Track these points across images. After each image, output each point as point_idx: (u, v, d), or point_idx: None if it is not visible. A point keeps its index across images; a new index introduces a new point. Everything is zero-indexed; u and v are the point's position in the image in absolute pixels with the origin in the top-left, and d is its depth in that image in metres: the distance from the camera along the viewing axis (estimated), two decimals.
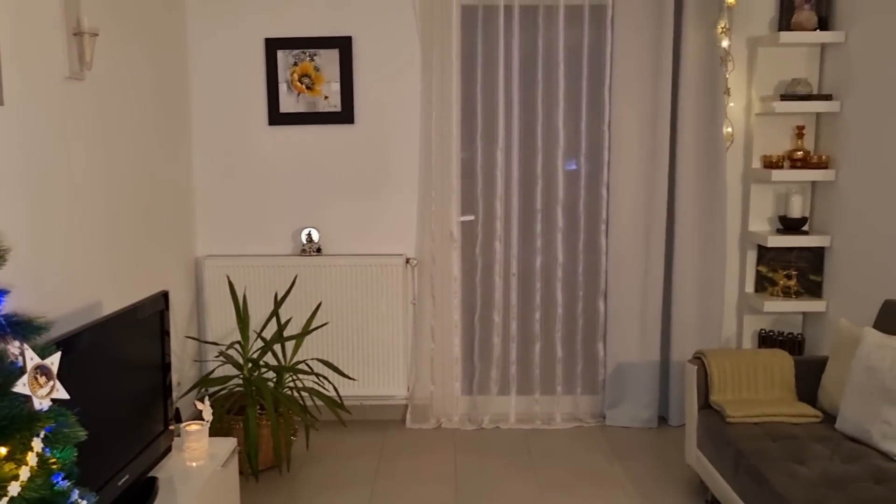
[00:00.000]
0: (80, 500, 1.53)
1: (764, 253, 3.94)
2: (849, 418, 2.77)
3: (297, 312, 3.91)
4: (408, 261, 4.01)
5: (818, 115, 3.88)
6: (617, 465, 3.58)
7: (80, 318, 2.71)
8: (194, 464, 2.73)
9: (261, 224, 4.04)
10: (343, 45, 3.89)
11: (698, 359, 3.22)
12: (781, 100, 3.76)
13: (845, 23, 3.65)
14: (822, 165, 3.77)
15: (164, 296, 2.75)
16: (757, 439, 2.80)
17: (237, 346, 3.63)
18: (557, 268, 4.00)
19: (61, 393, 1.51)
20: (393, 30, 3.91)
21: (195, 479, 2.63)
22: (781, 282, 3.89)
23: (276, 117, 3.95)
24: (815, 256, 3.86)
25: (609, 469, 3.55)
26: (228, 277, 3.83)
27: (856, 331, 2.94)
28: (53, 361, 1.51)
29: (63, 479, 1.49)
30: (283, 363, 3.66)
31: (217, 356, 3.68)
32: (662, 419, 4.10)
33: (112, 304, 2.97)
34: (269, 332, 3.81)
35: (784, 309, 3.85)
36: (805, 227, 3.90)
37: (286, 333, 3.74)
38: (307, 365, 3.75)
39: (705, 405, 3.17)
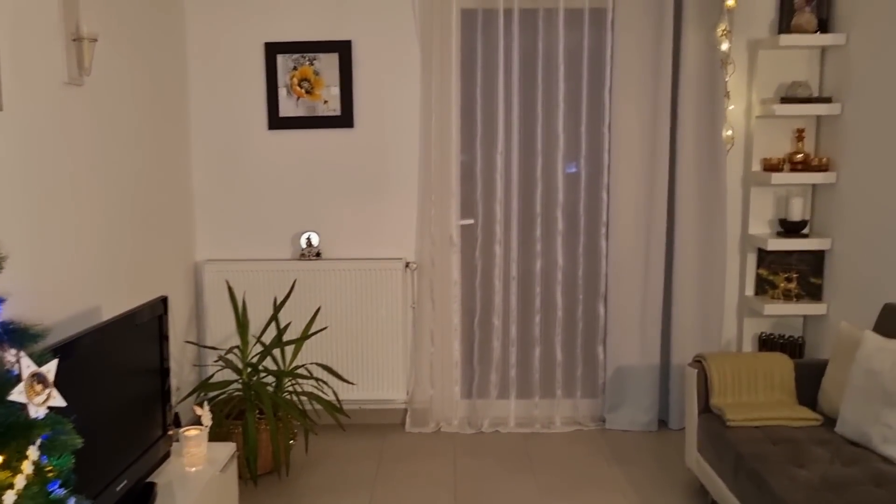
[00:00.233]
0: None
1: (764, 256, 3.93)
2: (849, 421, 2.77)
3: (297, 317, 3.90)
4: (407, 265, 4.01)
5: (818, 117, 3.87)
6: (617, 469, 3.57)
7: (79, 323, 2.71)
8: (193, 469, 2.73)
9: (260, 228, 4.04)
10: (343, 50, 3.89)
11: (698, 362, 3.22)
12: (782, 102, 3.75)
13: (846, 25, 3.64)
14: (822, 168, 3.76)
15: (163, 301, 2.75)
16: (757, 443, 2.79)
17: (236, 350, 3.62)
18: (557, 271, 4.00)
19: (58, 400, 1.51)
20: (392, 34, 3.91)
21: (194, 485, 2.63)
22: (782, 285, 3.88)
23: (276, 122, 3.95)
24: (816, 259, 3.85)
25: (609, 473, 3.54)
26: (228, 282, 3.83)
27: (856, 334, 2.93)
28: (50, 369, 1.50)
29: (59, 487, 1.49)
30: (282, 367, 3.66)
31: (216, 361, 3.68)
32: (662, 423, 4.09)
33: (112, 308, 2.97)
34: (268, 337, 3.80)
35: (784, 312, 3.84)
36: (805, 230, 3.89)
37: (286, 338, 3.74)
38: (307, 369, 3.74)
39: (705, 409, 3.16)
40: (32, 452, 1.43)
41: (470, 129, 3.97)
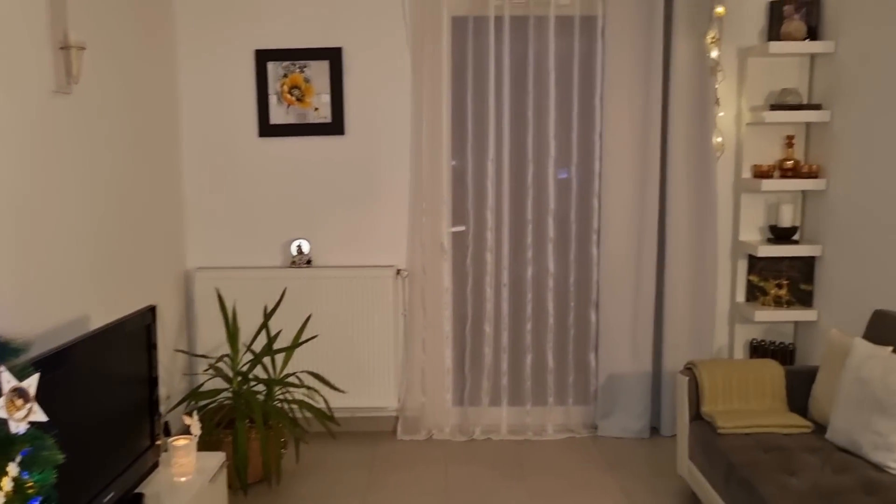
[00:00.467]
0: None
1: (755, 262, 3.94)
2: (839, 429, 2.77)
3: (288, 324, 3.89)
4: (398, 272, 4.00)
5: (808, 124, 3.88)
6: (609, 476, 3.57)
7: (68, 332, 2.69)
8: (182, 479, 2.72)
9: (251, 236, 4.03)
10: (333, 57, 3.89)
11: (689, 370, 3.21)
12: (771, 109, 3.76)
13: (835, 32, 3.65)
14: (812, 175, 3.77)
15: (152, 310, 2.73)
16: (748, 450, 2.79)
17: (227, 359, 3.61)
18: (549, 278, 4.00)
19: (39, 415, 1.50)
20: (383, 41, 3.91)
21: (182, 495, 2.61)
22: (772, 291, 3.88)
23: (267, 129, 3.94)
24: (806, 266, 3.85)
25: (601, 480, 3.53)
26: (218, 290, 3.81)
27: (846, 341, 2.93)
28: (31, 384, 1.49)
29: None
30: (272, 376, 3.64)
31: (206, 370, 3.66)
32: (654, 429, 4.09)
33: (101, 317, 2.95)
34: (259, 345, 3.79)
35: (775, 318, 3.84)
36: (796, 237, 3.89)
37: (276, 346, 3.72)
38: (297, 377, 3.72)
39: (697, 416, 3.16)
40: (12, 469, 1.42)
41: (461, 137, 3.97)
